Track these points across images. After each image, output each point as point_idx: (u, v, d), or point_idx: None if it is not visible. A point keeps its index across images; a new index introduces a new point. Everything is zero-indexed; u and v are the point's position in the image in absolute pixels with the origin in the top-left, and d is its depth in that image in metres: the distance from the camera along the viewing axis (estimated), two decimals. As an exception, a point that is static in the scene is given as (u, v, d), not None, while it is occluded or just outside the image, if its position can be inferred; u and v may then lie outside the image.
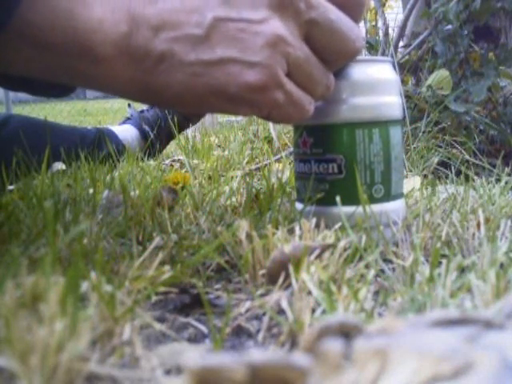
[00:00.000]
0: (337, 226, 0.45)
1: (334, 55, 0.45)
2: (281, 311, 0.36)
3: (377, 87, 0.50)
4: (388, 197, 0.50)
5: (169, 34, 0.39)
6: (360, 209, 0.47)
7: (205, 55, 0.39)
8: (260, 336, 0.34)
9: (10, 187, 0.68)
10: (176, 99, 0.42)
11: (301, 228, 0.44)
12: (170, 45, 0.39)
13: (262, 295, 0.38)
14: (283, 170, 0.73)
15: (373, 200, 0.49)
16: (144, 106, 1.33)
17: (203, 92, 0.41)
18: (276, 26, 0.40)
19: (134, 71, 0.39)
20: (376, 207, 0.49)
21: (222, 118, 2.44)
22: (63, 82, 0.45)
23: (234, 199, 0.64)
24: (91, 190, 0.65)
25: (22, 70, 0.41)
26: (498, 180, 0.76)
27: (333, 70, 0.46)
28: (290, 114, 0.44)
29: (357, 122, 0.49)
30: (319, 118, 0.50)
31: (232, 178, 0.75)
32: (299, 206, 0.52)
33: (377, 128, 0.49)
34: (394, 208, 0.51)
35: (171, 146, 1.42)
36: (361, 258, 0.40)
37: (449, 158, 1.02)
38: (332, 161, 0.50)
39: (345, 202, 0.47)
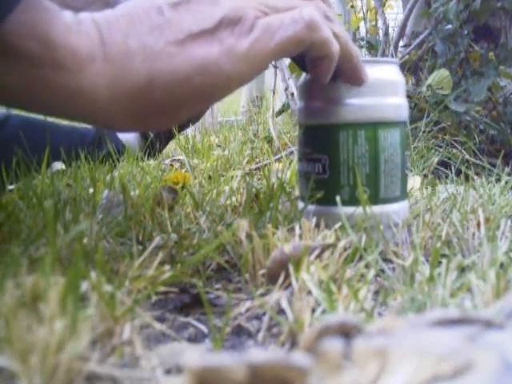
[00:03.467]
0: (337, 226, 0.45)
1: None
2: (281, 311, 0.36)
3: (364, 88, 0.49)
4: (375, 200, 0.49)
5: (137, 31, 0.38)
6: (340, 209, 0.47)
7: (171, 36, 0.39)
8: (260, 336, 0.34)
9: (10, 187, 0.68)
10: (162, 94, 0.39)
11: (301, 228, 0.44)
12: (139, 40, 0.38)
13: (262, 295, 0.38)
14: (283, 170, 0.73)
15: (356, 202, 0.48)
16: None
17: (187, 70, 0.39)
18: None
19: (112, 77, 0.38)
20: (360, 209, 0.48)
21: (222, 118, 2.44)
22: (27, 106, 0.41)
23: (233, 199, 0.64)
24: (91, 190, 0.65)
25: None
26: (498, 180, 0.76)
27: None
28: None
29: (340, 123, 0.49)
30: (308, 118, 0.52)
31: (232, 177, 0.75)
32: (301, 204, 0.53)
33: (362, 130, 0.49)
34: (382, 211, 0.49)
35: (171, 146, 1.42)
36: (361, 258, 0.40)
37: (449, 158, 1.02)
38: (317, 160, 0.51)
39: (329, 202, 0.49)
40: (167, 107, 0.40)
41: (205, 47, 0.39)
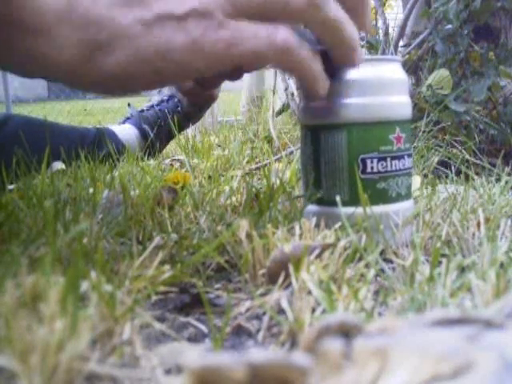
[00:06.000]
0: (337, 226, 0.45)
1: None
2: (281, 311, 0.36)
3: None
4: (321, 200, 0.50)
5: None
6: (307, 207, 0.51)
7: (140, 14, 0.38)
8: (260, 335, 0.34)
9: (10, 187, 0.68)
10: (121, 69, 0.39)
11: (301, 227, 0.44)
12: (108, 9, 0.38)
13: (262, 295, 0.38)
14: (283, 170, 0.73)
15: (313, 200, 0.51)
16: (144, 106, 1.33)
17: (149, 54, 0.39)
18: None
19: (77, 41, 0.38)
20: (311, 208, 0.51)
21: (222, 118, 2.44)
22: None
23: (233, 199, 0.64)
24: (91, 190, 0.65)
25: None
26: (498, 179, 0.76)
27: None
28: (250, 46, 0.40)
29: (303, 124, 0.52)
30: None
31: (232, 177, 0.75)
32: None
33: (309, 131, 0.50)
34: (327, 212, 0.48)
35: (171, 146, 1.42)
36: (361, 258, 0.40)
37: (449, 158, 1.02)
38: (299, 160, 0.55)
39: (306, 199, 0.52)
40: (122, 78, 0.40)
41: (170, 33, 0.39)
